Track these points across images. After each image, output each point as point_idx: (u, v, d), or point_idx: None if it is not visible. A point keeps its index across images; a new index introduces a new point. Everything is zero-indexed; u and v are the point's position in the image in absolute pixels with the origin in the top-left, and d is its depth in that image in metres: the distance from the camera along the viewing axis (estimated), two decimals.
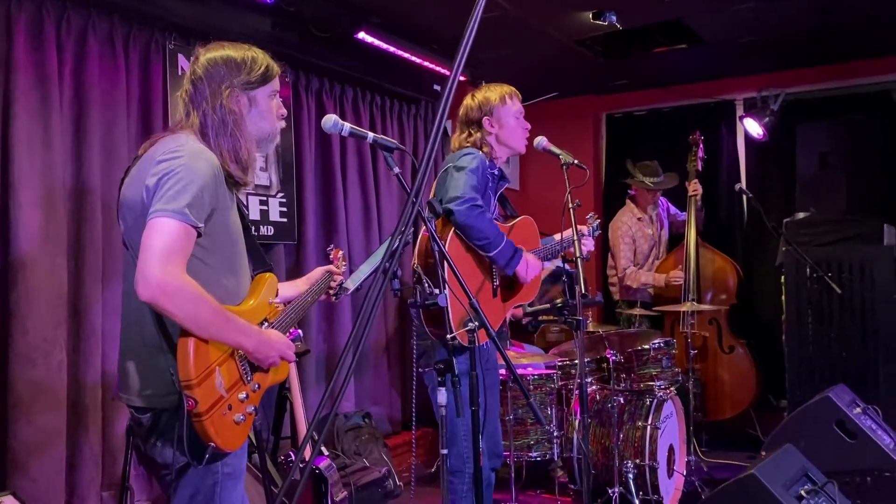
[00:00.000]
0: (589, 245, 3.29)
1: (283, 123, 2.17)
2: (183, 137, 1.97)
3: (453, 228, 2.89)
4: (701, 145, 5.43)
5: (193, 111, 2.01)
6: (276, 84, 2.12)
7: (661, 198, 5.57)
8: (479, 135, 3.14)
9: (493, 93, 3.17)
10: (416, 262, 2.89)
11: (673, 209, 5.61)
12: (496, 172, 3.18)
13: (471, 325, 2.30)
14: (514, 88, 3.24)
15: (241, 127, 2.02)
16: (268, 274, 2.17)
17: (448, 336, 2.38)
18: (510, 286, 3.16)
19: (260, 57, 2.08)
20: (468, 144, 3.13)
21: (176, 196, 1.80)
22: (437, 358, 2.40)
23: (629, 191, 5.53)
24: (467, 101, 3.20)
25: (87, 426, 3.36)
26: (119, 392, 2.00)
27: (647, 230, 5.40)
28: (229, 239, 2.01)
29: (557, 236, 3.30)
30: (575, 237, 2.90)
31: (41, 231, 3.20)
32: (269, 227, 4.33)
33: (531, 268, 3.09)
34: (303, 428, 3.40)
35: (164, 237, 1.77)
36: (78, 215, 3.38)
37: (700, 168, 5.37)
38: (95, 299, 3.40)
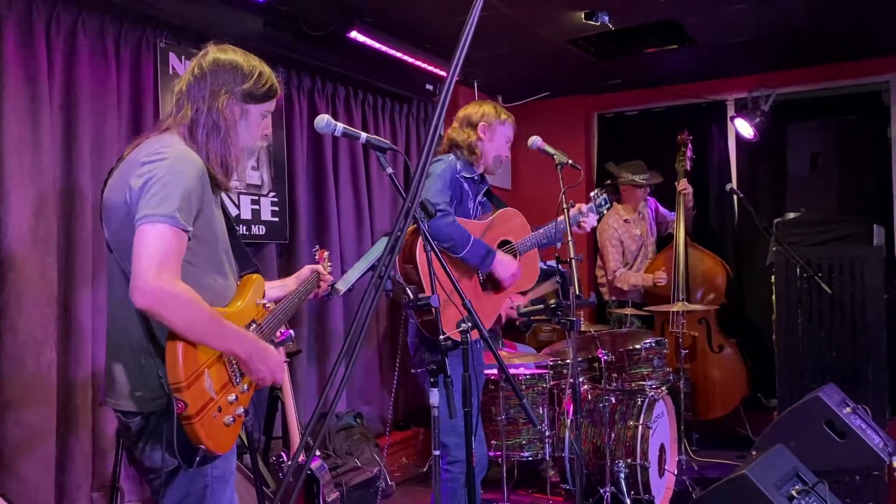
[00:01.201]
0: (591, 221, 3.34)
1: (263, 143, 2.16)
2: (167, 139, 1.94)
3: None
4: (689, 145, 5.44)
5: (187, 104, 1.99)
6: (272, 105, 2.11)
7: (650, 198, 5.58)
8: (470, 134, 3.22)
9: (497, 111, 3.28)
10: (396, 272, 2.93)
11: (662, 210, 5.63)
12: (475, 177, 3.26)
13: (464, 325, 2.29)
14: (513, 118, 3.34)
15: (231, 134, 2.01)
16: (254, 275, 2.15)
17: (441, 337, 2.38)
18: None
19: (267, 73, 2.07)
20: (459, 141, 3.23)
21: (164, 200, 1.78)
22: (429, 357, 2.41)
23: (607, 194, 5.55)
24: (474, 106, 3.30)
25: (77, 426, 3.34)
26: (105, 397, 1.97)
27: (635, 230, 5.41)
28: (215, 240, 2.00)
29: (552, 223, 3.32)
30: (569, 238, 2.90)
31: (31, 231, 3.18)
32: (261, 226, 4.31)
33: (506, 266, 3.13)
34: (294, 428, 3.38)
35: (156, 243, 1.75)
36: (68, 215, 3.36)
37: (689, 168, 5.39)
38: (85, 299, 3.38)
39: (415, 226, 2.92)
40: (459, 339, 2.26)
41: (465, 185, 3.20)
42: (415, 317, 3.00)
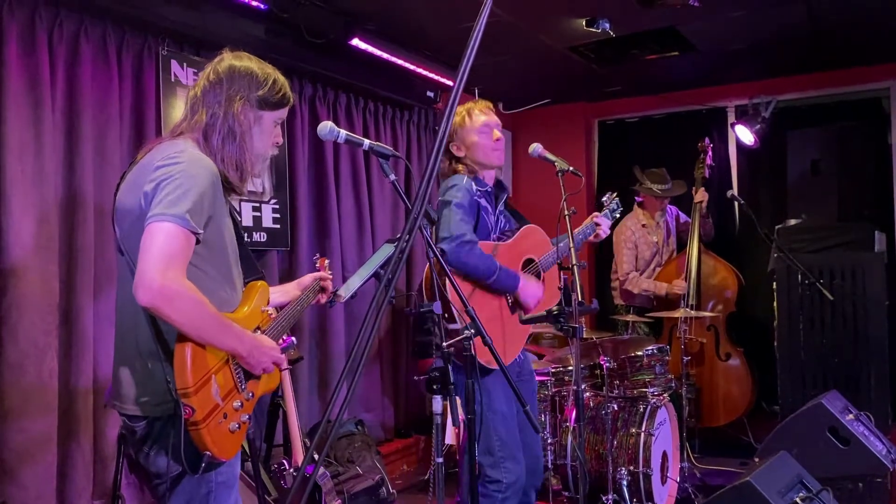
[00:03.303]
0: (605, 227, 3.29)
1: (275, 151, 2.18)
2: (181, 144, 1.96)
3: None
4: (710, 152, 5.43)
5: (202, 109, 2.00)
6: (284, 113, 2.14)
7: (671, 206, 5.58)
8: (449, 161, 3.13)
9: (456, 115, 3.07)
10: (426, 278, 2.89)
11: (683, 217, 5.62)
12: (489, 189, 3.14)
13: (467, 332, 2.29)
14: (479, 102, 3.14)
15: (247, 139, 2.02)
16: (260, 282, 2.16)
17: (444, 344, 2.37)
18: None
19: (280, 81, 2.10)
20: (449, 173, 3.11)
21: (176, 201, 1.79)
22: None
23: (637, 197, 5.53)
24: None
25: (79, 434, 3.33)
26: (112, 400, 1.98)
27: (652, 237, 5.41)
28: (225, 246, 2.00)
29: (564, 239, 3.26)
30: (571, 246, 2.90)
31: (33, 238, 3.18)
32: (262, 233, 4.31)
33: (531, 291, 3.07)
34: (296, 436, 3.37)
35: (164, 242, 1.75)
36: (70, 222, 3.36)
37: (707, 175, 5.38)
38: (87, 306, 3.38)
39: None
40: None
41: (483, 202, 3.07)
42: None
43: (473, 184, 3.04)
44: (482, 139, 3.08)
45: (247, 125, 2.02)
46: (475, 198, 3.02)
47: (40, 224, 3.20)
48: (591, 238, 3.32)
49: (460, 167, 3.09)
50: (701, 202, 5.27)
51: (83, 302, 3.36)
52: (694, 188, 5.33)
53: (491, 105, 3.19)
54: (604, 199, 3.45)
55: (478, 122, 3.08)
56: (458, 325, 2.70)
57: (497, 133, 3.10)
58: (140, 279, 1.74)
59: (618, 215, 3.46)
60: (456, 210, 2.92)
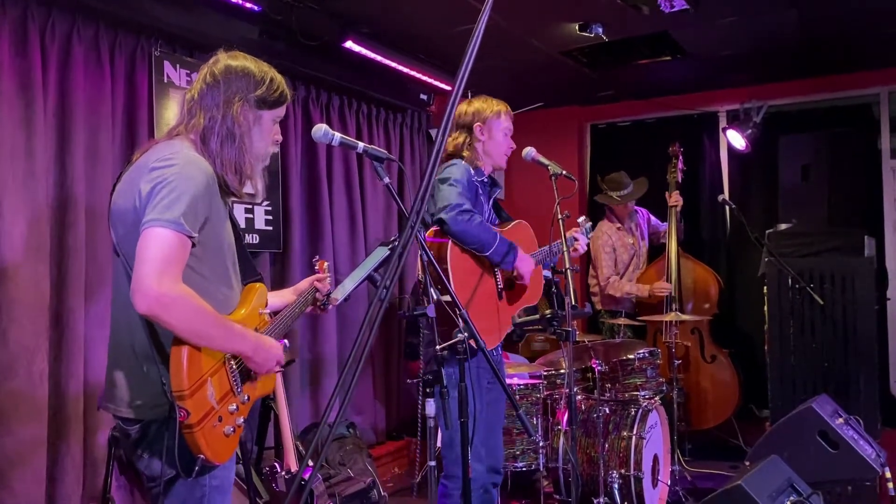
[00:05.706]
0: (582, 242, 3.35)
1: (276, 148, 2.17)
2: (177, 144, 1.94)
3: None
4: (681, 157, 5.46)
5: (200, 112, 1.98)
6: (283, 111, 2.12)
7: (642, 209, 5.59)
8: (465, 138, 3.18)
9: (488, 104, 3.22)
10: (420, 273, 2.89)
11: (654, 220, 5.64)
12: (485, 180, 3.21)
13: (460, 335, 2.29)
14: (508, 107, 3.28)
15: (246, 140, 2.01)
16: (258, 284, 2.15)
17: (437, 347, 2.37)
18: (513, 289, 3.17)
19: (278, 79, 2.08)
20: (451, 149, 3.18)
21: (170, 205, 1.78)
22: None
23: (606, 206, 5.57)
24: (463, 105, 3.25)
25: (69, 437, 3.32)
26: (105, 402, 1.96)
27: (628, 239, 5.43)
28: (222, 248, 1.99)
29: (555, 243, 3.31)
30: (564, 248, 2.91)
31: (24, 239, 3.16)
32: (255, 235, 4.30)
33: (528, 263, 3.11)
34: (288, 438, 3.36)
35: (159, 248, 1.74)
36: (61, 223, 3.34)
37: (680, 179, 5.41)
38: (78, 308, 3.36)
39: (435, 228, 2.96)
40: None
41: (479, 189, 3.15)
42: (434, 327, 2.96)
43: (471, 170, 3.12)
44: (503, 140, 3.22)
45: (246, 126, 2.00)
46: (473, 180, 3.10)
47: (31, 225, 3.19)
48: (570, 252, 3.34)
49: (465, 152, 3.17)
50: (675, 206, 5.30)
51: (74, 304, 3.35)
52: (668, 192, 5.36)
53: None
54: (580, 220, 3.50)
55: (506, 124, 3.24)
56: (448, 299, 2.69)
57: (513, 143, 3.27)
58: (137, 287, 1.73)
59: (590, 236, 3.53)
60: (454, 184, 3.00)
